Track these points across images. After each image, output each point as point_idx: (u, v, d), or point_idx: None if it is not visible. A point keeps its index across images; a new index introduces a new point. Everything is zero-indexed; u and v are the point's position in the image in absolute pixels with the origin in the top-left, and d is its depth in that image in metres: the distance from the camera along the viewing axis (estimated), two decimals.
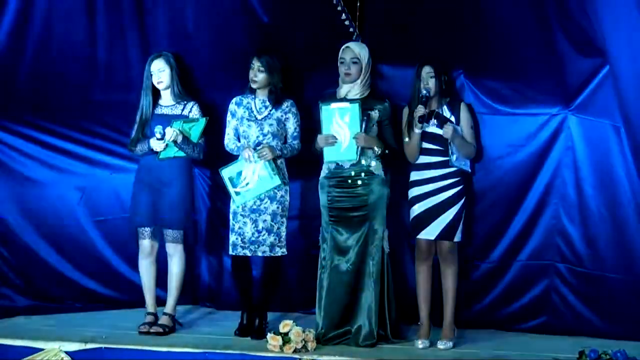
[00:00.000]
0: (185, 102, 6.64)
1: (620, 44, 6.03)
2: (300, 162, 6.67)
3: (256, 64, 6.47)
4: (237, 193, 6.45)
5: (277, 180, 6.38)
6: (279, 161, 6.46)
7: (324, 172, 6.41)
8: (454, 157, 6.18)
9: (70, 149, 7.19)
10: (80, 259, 7.20)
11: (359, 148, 6.24)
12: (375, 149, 6.28)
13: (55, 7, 7.03)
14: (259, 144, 6.44)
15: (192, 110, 6.61)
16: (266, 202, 6.44)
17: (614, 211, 6.33)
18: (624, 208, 6.29)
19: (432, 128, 6.23)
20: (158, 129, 6.43)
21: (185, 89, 6.70)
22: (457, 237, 6.26)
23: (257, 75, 6.46)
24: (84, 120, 7.16)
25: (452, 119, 6.26)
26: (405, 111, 6.34)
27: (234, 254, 6.52)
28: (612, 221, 6.34)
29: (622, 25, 5.97)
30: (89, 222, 7.20)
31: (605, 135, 6.32)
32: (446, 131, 6.14)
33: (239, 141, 6.55)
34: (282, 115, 6.51)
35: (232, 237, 6.51)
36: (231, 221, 6.53)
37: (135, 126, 6.61)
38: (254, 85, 6.49)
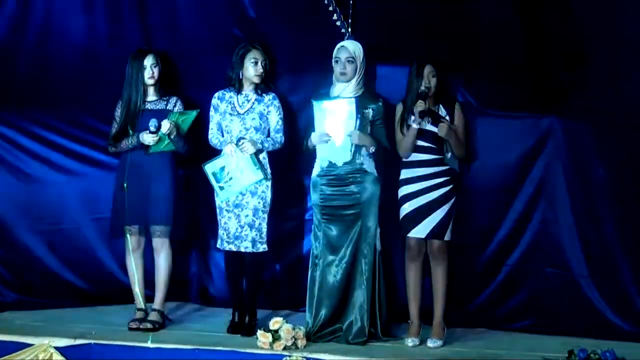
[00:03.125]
0: (168, 97, 6.64)
1: (604, 52, 6.08)
2: (291, 160, 6.68)
3: (260, 57, 6.47)
4: (221, 188, 6.46)
5: (260, 175, 6.38)
6: (261, 156, 6.45)
7: (316, 170, 6.41)
8: (448, 155, 6.20)
9: (69, 146, 7.17)
10: (72, 256, 7.17)
11: (353, 146, 6.25)
12: (369, 147, 6.29)
13: (55, 1, 7.01)
14: (241, 138, 6.44)
15: (177, 105, 6.61)
16: (248, 197, 6.44)
17: (596, 216, 6.35)
18: (602, 212, 6.32)
19: (426, 125, 6.22)
20: (152, 123, 6.41)
21: (168, 84, 6.69)
22: (447, 236, 6.27)
23: (262, 69, 6.46)
24: (84, 117, 7.15)
25: (447, 118, 6.27)
26: (399, 108, 6.35)
27: (221, 248, 6.54)
28: (594, 225, 6.36)
29: (606, 33, 6.04)
30: (84, 220, 7.18)
31: (588, 140, 6.35)
32: (442, 129, 6.16)
33: (223, 136, 6.55)
34: (264, 109, 6.51)
35: (220, 232, 6.52)
36: (218, 216, 6.53)
37: (118, 121, 6.56)
38: (258, 80, 6.48)
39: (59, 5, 7.04)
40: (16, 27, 7.04)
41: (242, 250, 6.46)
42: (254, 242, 6.44)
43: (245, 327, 6.43)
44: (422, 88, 6.20)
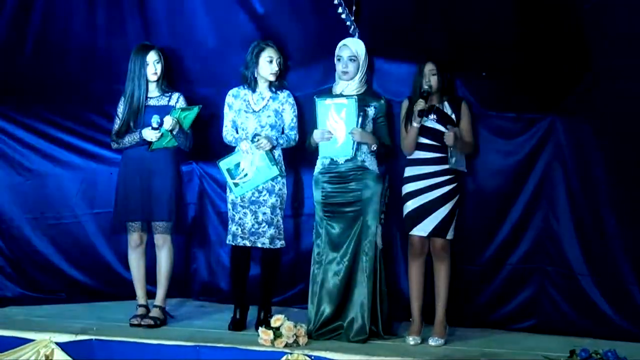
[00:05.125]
0: (170, 93, 6.63)
1: (605, 51, 6.07)
2: (295, 157, 6.67)
3: (275, 55, 6.46)
4: (236, 184, 6.45)
5: (275, 171, 6.37)
6: (276, 153, 6.46)
7: (318, 167, 6.40)
8: (452, 160, 6.18)
9: (71, 141, 7.19)
10: (73, 251, 7.20)
11: (355, 143, 6.24)
12: (370, 144, 6.28)
13: None
14: (257, 134, 6.43)
15: (179, 101, 6.61)
16: (265, 194, 6.44)
17: (597, 215, 6.34)
18: (603, 212, 6.31)
19: (431, 123, 6.23)
20: (155, 119, 6.41)
21: (170, 80, 6.69)
22: (450, 235, 6.26)
23: (277, 67, 6.46)
24: (85, 112, 7.17)
25: (453, 116, 6.26)
26: (405, 104, 6.35)
27: (233, 244, 6.52)
28: (595, 224, 6.35)
29: (608, 32, 6.03)
30: (85, 214, 7.18)
31: (589, 140, 6.33)
32: (448, 138, 6.14)
33: (237, 133, 6.54)
34: (279, 107, 6.50)
35: (233, 228, 6.51)
36: (230, 211, 6.52)
37: (121, 117, 6.55)
38: (273, 78, 6.48)
39: (60, 2, 7.02)
40: (17, 23, 7.03)
41: (259, 246, 6.46)
42: (272, 238, 6.44)
43: (260, 322, 6.38)
44: (425, 87, 6.18)
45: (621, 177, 6.26)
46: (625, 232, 6.27)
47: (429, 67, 6.23)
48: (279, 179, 6.44)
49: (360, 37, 6.53)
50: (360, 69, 6.33)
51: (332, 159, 6.33)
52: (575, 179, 6.39)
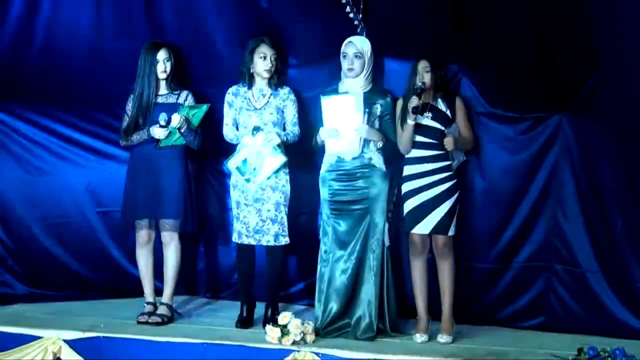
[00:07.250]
0: (179, 91, 6.64)
1: (614, 50, 6.05)
2: (300, 155, 6.67)
3: (269, 52, 6.45)
4: (248, 180, 6.45)
5: (282, 157, 6.36)
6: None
7: (324, 166, 6.40)
8: (455, 163, 6.22)
9: (78, 139, 7.18)
10: (81, 249, 7.19)
11: (362, 140, 6.23)
12: (377, 141, 6.28)
13: None
14: (257, 128, 6.42)
15: (188, 99, 6.62)
16: (268, 191, 6.44)
17: (604, 213, 6.32)
18: (610, 211, 6.29)
19: (427, 121, 6.23)
20: (162, 116, 6.42)
21: (179, 78, 6.69)
22: (451, 231, 6.25)
23: (273, 63, 6.45)
24: (93, 110, 7.16)
25: (448, 112, 6.27)
26: (399, 103, 6.35)
27: (239, 242, 6.53)
28: (604, 222, 6.33)
29: (617, 31, 6.01)
30: (93, 212, 7.18)
31: (597, 139, 6.31)
32: (448, 144, 6.15)
33: (238, 130, 6.54)
34: (280, 103, 6.50)
35: (238, 226, 6.51)
36: (235, 210, 6.53)
37: (130, 114, 6.57)
38: (267, 75, 6.48)
39: (67, 0, 7.04)
40: (26, 23, 7.04)
41: (264, 244, 6.47)
42: (276, 235, 6.45)
43: (268, 320, 6.38)
44: (418, 84, 6.19)
45: (629, 176, 6.24)
46: (633, 229, 6.25)
47: (422, 65, 6.24)
48: (283, 175, 6.43)
49: (367, 36, 6.52)
50: (365, 66, 6.32)
51: (338, 157, 6.33)
52: (583, 177, 6.38)
